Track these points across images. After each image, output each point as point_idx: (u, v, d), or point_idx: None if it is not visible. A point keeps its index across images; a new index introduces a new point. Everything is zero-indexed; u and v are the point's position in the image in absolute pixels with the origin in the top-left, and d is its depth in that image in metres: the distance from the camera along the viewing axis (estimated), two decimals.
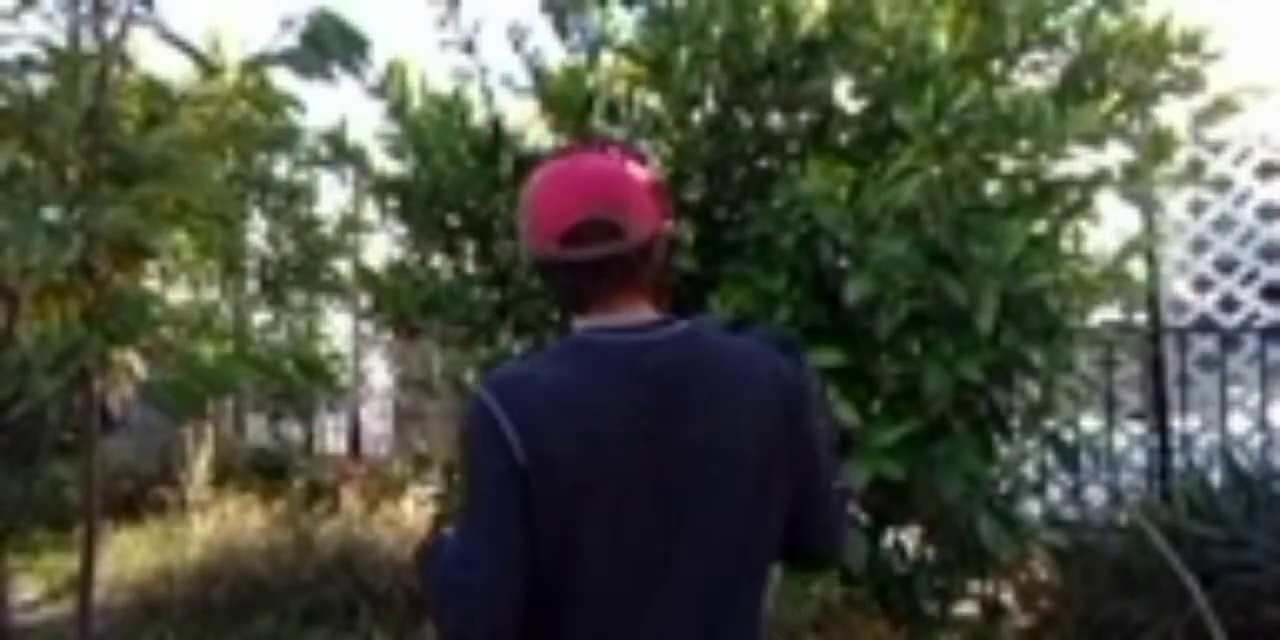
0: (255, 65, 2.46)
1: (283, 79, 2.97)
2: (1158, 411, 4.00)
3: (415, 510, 4.76)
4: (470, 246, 3.03)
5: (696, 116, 2.60)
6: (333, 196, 6.64)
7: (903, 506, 2.45)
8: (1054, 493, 4.01)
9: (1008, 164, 2.36)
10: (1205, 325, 4.11)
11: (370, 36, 2.36)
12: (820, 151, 2.44)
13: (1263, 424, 3.87)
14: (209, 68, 2.86)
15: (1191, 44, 2.40)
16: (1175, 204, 4.21)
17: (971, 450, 2.28)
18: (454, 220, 2.97)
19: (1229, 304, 4.13)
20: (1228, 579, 3.03)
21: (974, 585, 3.14)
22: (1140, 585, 3.18)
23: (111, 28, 2.66)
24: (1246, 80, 2.43)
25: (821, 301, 2.35)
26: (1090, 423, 4.06)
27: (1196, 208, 4.22)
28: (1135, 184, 2.38)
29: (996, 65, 2.51)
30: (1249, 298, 4.09)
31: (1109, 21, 2.46)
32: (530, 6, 2.77)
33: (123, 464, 6.00)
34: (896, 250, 2.12)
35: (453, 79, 2.91)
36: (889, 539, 2.55)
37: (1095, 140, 2.38)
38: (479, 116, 2.87)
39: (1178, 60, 2.42)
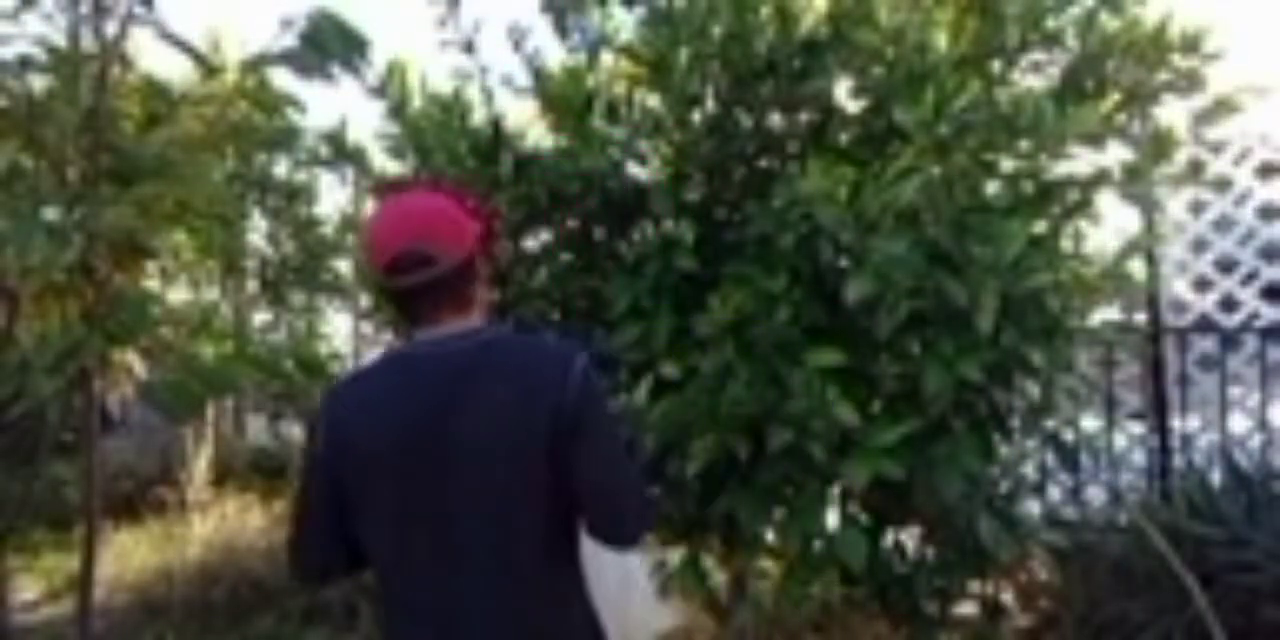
0: (255, 65, 2.45)
1: (282, 79, 2.98)
2: (1158, 411, 4.00)
3: None
4: None
5: (696, 116, 2.59)
6: (333, 196, 6.66)
7: (903, 506, 2.45)
8: (1054, 493, 4.01)
9: (1008, 164, 2.36)
10: (1205, 325, 4.11)
11: (370, 36, 2.37)
12: (820, 151, 2.44)
13: (1263, 424, 3.88)
14: (209, 68, 2.86)
15: (1191, 44, 2.39)
16: (1175, 204, 4.21)
17: (971, 450, 2.28)
18: None
19: (1229, 304, 4.14)
20: (1228, 579, 3.02)
21: (974, 585, 3.14)
22: (1140, 585, 3.17)
23: (111, 28, 2.66)
24: (1246, 80, 2.43)
25: (821, 301, 2.35)
26: (1090, 423, 4.06)
27: (1196, 208, 4.22)
28: (1135, 184, 2.37)
29: (996, 65, 2.50)
30: (1249, 298, 4.10)
31: (1109, 21, 2.45)
32: (530, 6, 2.77)
33: (123, 464, 6.01)
34: (896, 250, 2.12)
35: (453, 79, 2.90)
36: (889, 539, 2.55)
37: (1095, 140, 2.37)
38: (479, 116, 2.86)
39: (1178, 60, 2.42)
